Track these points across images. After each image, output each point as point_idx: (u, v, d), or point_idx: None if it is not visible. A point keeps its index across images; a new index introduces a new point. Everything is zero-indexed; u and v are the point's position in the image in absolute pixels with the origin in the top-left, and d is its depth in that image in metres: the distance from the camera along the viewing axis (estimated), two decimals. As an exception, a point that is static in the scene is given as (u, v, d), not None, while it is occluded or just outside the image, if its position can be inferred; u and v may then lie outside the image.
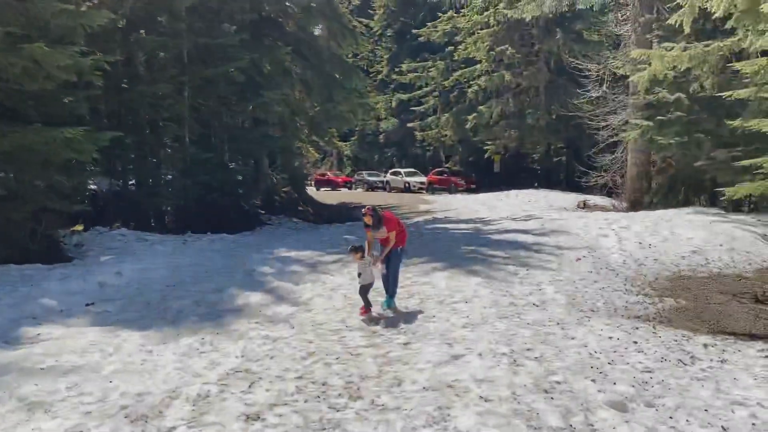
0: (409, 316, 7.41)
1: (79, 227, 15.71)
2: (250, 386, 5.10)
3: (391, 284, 7.73)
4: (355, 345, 6.27)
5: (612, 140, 21.68)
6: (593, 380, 5.12)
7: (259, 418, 4.48)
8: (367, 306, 7.50)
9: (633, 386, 5.00)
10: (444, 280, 9.31)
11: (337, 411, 4.59)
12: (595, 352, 5.88)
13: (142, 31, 16.77)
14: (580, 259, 10.95)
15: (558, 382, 5.05)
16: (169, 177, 18.46)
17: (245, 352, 6.06)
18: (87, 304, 8.33)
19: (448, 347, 6.02)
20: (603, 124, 21.96)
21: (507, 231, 14.12)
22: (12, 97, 10.10)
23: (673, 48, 14.13)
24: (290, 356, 5.91)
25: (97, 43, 13.24)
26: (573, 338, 6.42)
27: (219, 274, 10.13)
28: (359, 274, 7.49)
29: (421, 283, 9.19)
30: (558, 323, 7.06)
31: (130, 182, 18.01)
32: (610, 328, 6.78)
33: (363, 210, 7.65)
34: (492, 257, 10.99)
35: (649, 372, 5.37)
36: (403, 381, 5.14)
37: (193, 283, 9.46)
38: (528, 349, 5.95)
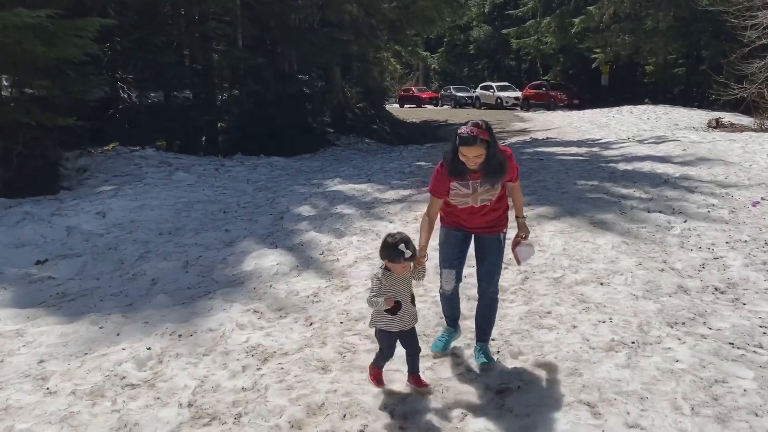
0: (502, 311, 4.34)
1: (113, 145, 13.54)
2: None
3: (482, 312, 3.55)
4: (401, 388, 3.32)
5: (760, 43, 17.68)
6: None
7: None
8: (380, 364, 3.30)
9: None
10: (558, 237, 6.09)
11: None
12: None
13: None
14: (758, 202, 7.43)
15: None
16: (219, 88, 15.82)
17: (197, 396, 3.26)
18: (37, 262, 5.84)
19: (589, 415, 2.94)
20: (750, 22, 17.95)
21: (636, 158, 10.48)
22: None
23: None
24: (275, 414, 3.05)
25: None
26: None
27: (239, 216, 7.38)
28: (376, 306, 3.08)
29: (523, 241, 6.02)
30: (786, 341, 3.80)
31: (181, 94, 15.56)
32: None
33: (465, 129, 3.06)
34: (626, 198, 7.59)
35: None
36: None
37: (197, 230, 6.75)
38: (772, 438, 2.77)
